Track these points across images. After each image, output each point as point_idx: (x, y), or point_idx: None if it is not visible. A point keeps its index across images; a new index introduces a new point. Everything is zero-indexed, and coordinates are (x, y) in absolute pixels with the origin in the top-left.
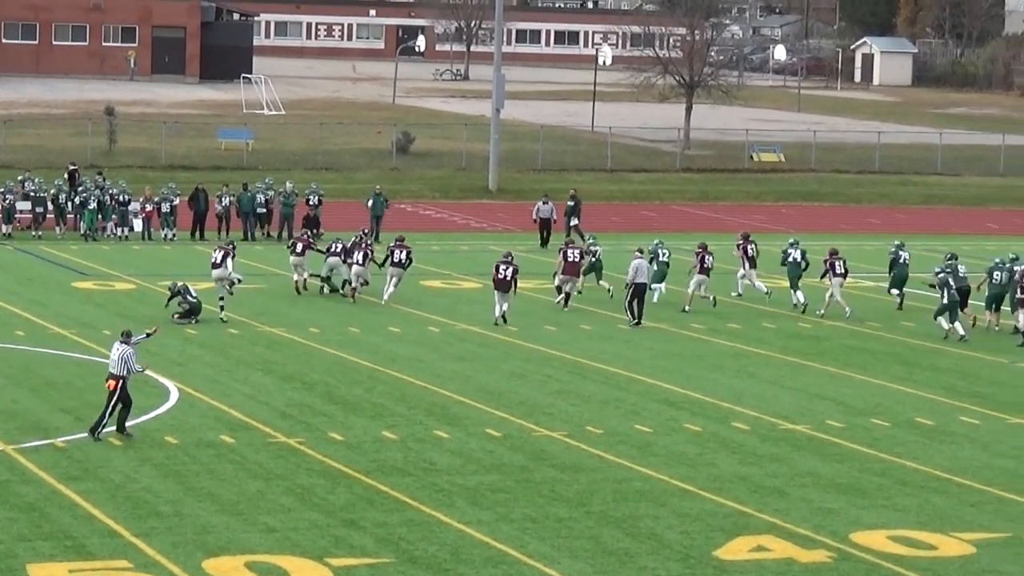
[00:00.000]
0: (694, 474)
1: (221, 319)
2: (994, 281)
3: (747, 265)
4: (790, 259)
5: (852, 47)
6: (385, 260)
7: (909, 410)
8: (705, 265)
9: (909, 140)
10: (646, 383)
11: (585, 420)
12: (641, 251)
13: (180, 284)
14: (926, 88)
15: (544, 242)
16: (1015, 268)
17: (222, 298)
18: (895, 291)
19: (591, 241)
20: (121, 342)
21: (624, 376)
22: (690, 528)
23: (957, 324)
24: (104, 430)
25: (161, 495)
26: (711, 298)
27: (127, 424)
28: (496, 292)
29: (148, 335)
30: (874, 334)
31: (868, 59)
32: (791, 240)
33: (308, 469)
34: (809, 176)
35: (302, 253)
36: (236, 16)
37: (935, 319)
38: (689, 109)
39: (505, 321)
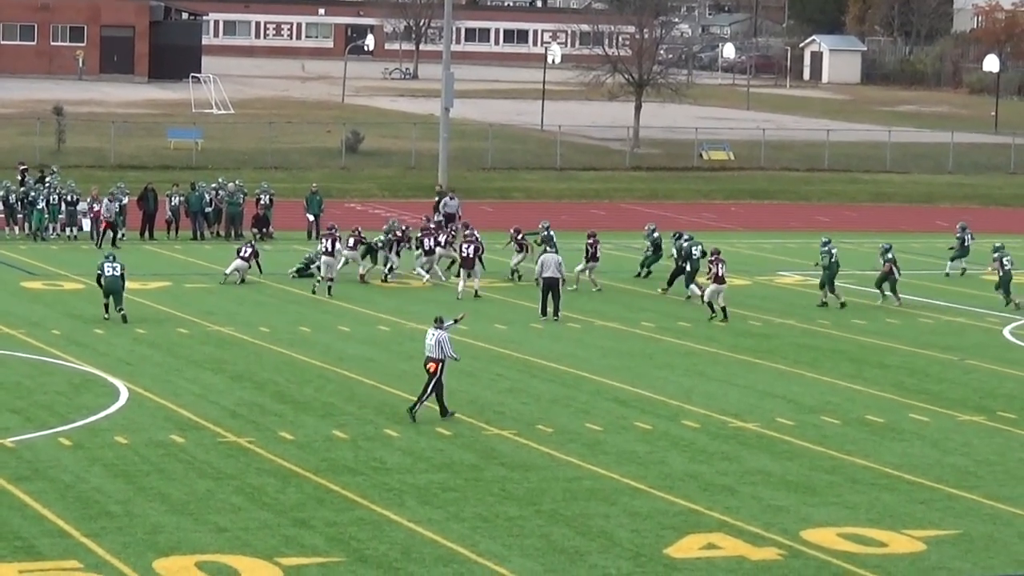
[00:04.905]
0: (644, 472)
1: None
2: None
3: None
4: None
5: (801, 45)
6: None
7: (859, 407)
8: (719, 273)
9: (858, 138)
10: (596, 381)
11: (535, 419)
12: (552, 247)
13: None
14: (875, 86)
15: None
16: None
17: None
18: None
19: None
20: (435, 327)
21: (574, 374)
22: (640, 526)
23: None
24: (419, 408)
25: (111, 495)
26: (721, 311)
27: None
28: (461, 270)
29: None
30: (823, 332)
31: (817, 57)
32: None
33: (258, 468)
34: (758, 174)
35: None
36: (185, 15)
37: (687, 287)
38: (638, 107)
39: (477, 295)
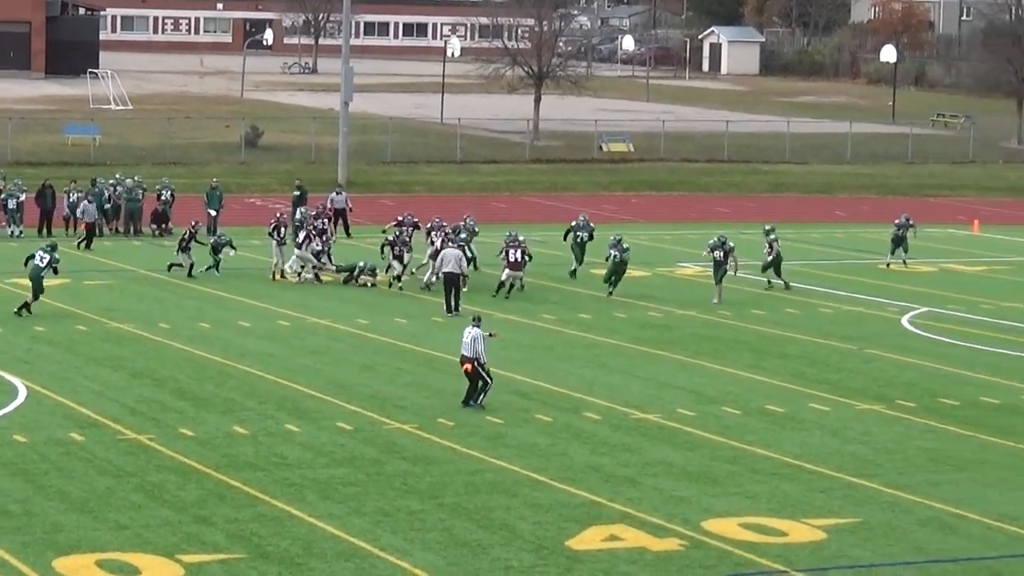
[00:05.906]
0: (546, 465)
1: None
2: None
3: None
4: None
5: (700, 36)
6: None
7: (760, 397)
8: (511, 259)
9: (757, 129)
10: (497, 374)
11: (436, 412)
12: (453, 240)
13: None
14: (773, 77)
15: (346, 232)
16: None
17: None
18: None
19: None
20: (473, 325)
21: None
22: (542, 519)
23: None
24: (482, 400)
25: (10, 494)
26: (518, 287)
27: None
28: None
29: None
30: (724, 323)
31: (716, 48)
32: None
33: (159, 466)
34: (658, 165)
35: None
36: (82, 11)
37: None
38: (538, 100)
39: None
